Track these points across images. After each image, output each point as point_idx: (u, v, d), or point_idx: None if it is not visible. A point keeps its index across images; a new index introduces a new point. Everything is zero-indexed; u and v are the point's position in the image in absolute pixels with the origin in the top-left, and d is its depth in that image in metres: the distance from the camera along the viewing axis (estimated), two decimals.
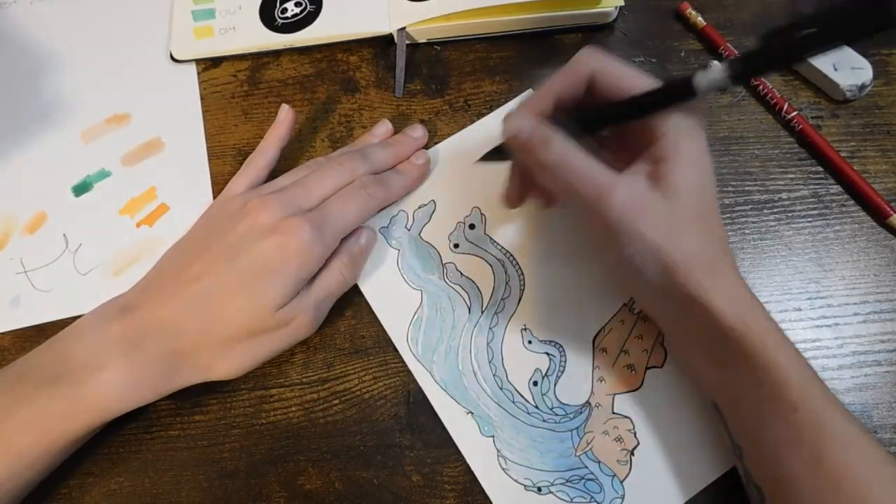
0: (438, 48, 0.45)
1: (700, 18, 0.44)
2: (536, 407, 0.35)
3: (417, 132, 0.40)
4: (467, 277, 0.38)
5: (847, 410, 0.27)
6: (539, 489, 0.34)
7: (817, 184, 0.39)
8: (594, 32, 0.44)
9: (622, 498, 0.33)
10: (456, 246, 0.38)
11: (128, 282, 0.36)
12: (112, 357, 0.31)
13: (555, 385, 0.35)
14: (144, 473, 0.35)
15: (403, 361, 0.36)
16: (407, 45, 0.43)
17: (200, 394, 0.35)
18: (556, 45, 0.44)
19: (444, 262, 0.38)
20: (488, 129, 0.41)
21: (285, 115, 0.38)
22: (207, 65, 0.45)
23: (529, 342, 0.36)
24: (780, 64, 0.22)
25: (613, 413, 0.34)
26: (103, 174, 0.42)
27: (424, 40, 0.44)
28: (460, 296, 0.37)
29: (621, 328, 0.36)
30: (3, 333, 0.38)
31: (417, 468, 0.34)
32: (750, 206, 0.39)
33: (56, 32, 0.46)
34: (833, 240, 0.38)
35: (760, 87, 0.41)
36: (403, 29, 0.43)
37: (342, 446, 0.35)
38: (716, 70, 0.25)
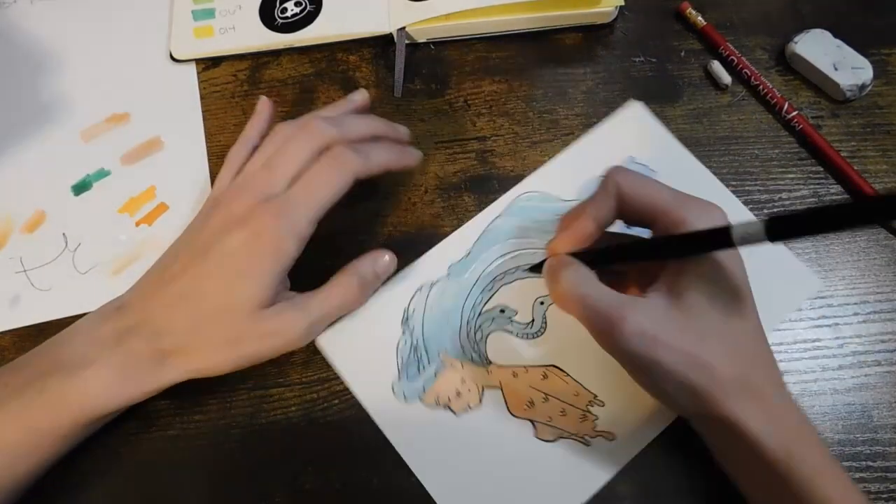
0: (438, 48, 0.45)
1: (700, 18, 0.44)
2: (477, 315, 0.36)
3: (400, 128, 0.39)
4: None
5: None
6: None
7: (817, 184, 0.39)
8: (594, 32, 0.44)
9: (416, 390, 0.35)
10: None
11: (127, 281, 0.36)
12: (100, 353, 0.32)
13: (490, 333, 0.36)
14: (144, 473, 0.35)
15: None
16: (407, 44, 0.43)
17: (200, 394, 0.35)
18: (556, 45, 0.44)
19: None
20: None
21: (263, 105, 0.38)
22: (207, 64, 0.45)
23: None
24: (817, 231, 0.23)
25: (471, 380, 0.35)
26: (103, 173, 0.42)
27: (424, 40, 0.44)
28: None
29: (564, 390, 0.35)
30: (2, 333, 0.38)
31: None
32: (750, 206, 0.39)
33: (56, 32, 0.46)
34: (833, 240, 0.38)
35: (761, 87, 0.41)
36: (403, 29, 0.43)
37: (342, 446, 0.35)
38: (753, 225, 0.25)
